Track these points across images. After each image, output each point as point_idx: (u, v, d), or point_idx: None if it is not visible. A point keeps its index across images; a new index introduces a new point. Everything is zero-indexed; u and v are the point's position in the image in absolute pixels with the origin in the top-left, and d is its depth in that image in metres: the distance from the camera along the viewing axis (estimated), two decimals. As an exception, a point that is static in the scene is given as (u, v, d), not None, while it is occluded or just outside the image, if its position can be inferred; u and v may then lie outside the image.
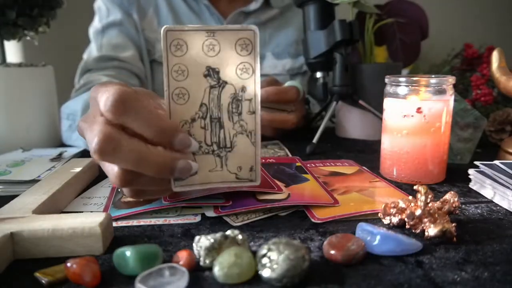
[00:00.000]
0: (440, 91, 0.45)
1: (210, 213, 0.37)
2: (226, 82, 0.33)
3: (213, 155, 0.34)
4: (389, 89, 0.48)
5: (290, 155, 0.59)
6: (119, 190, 0.38)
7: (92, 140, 0.30)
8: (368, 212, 0.37)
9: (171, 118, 0.33)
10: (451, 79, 0.45)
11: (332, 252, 0.29)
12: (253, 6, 0.88)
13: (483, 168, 0.44)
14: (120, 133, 0.30)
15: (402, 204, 0.35)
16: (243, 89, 0.34)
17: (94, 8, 0.88)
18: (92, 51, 0.84)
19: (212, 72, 0.33)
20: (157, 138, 0.31)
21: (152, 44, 0.87)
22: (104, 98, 0.30)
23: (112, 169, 0.31)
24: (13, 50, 1.14)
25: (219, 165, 0.34)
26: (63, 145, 0.67)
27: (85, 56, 0.85)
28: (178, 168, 0.31)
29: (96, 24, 0.86)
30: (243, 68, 0.33)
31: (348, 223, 0.36)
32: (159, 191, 0.35)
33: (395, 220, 0.35)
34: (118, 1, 0.85)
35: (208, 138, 0.34)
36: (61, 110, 0.69)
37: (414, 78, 0.45)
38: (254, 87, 0.34)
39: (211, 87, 0.33)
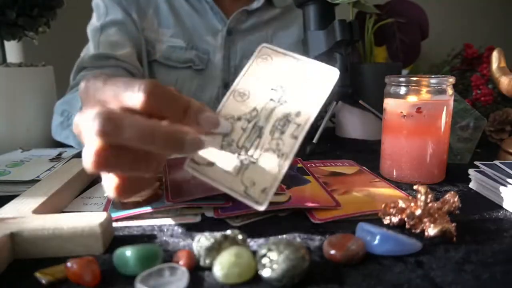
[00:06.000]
0: (440, 91, 0.45)
1: (210, 214, 0.37)
2: (286, 102, 0.35)
3: (237, 158, 0.33)
4: (389, 89, 0.48)
5: (290, 155, 0.59)
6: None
7: (92, 124, 0.27)
8: (368, 212, 0.37)
9: (222, 111, 0.35)
10: (451, 79, 0.45)
11: (332, 252, 0.29)
12: (255, 4, 0.88)
13: (483, 168, 0.44)
14: (118, 111, 0.28)
15: (402, 204, 0.35)
16: (298, 114, 0.34)
17: (92, 5, 0.87)
18: (89, 49, 0.83)
19: (280, 89, 0.35)
20: (180, 116, 0.31)
21: (152, 45, 0.86)
22: (133, 87, 0.29)
23: (110, 180, 0.30)
24: (13, 50, 1.14)
25: (236, 171, 0.33)
26: (63, 145, 0.67)
27: (82, 54, 0.84)
28: (188, 140, 0.29)
29: (94, 22, 0.85)
30: (308, 97, 0.35)
31: (348, 223, 0.36)
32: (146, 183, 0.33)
33: (395, 220, 0.35)
34: (117, 0, 0.85)
35: (242, 140, 0.33)
36: (55, 105, 0.66)
37: (414, 78, 0.45)
38: (309, 118, 0.34)
39: (271, 99, 0.35)
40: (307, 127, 0.34)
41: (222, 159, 0.33)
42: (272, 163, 0.33)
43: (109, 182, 0.30)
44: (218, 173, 0.33)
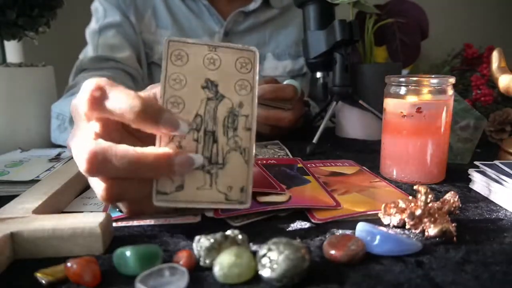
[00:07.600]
0: (440, 91, 0.45)
1: (210, 214, 0.37)
2: (223, 96, 0.33)
3: (202, 171, 0.32)
4: (389, 89, 0.48)
5: (290, 155, 0.59)
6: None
7: (79, 161, 0.29)
8: (368, 212, 0.37)
9: None
10: (451, 79, 0.45)
11: (332, 252, 0.29)
12: (252, 6, 0.88)
13: (483, 168, 0.44)
14: (104, 144, 0.29)
15: (402, 204, 0.35)
16: (241, 104, 0.33)
17: (91, 8, 0.88)
18: (88, 51, 0.83)
19: (210, 85, 0.33)
20: (141, 119, 0.29)
21: (150, 47, 0.86)
22: (80, 91, 0.29)
23: (98, 185, 0.30)
24: (13, 50, 1.14)
25: (208, 183, 0.32)
26: (62, 145, 0.67)
27: (81, 56, 0.84)
28: (176, 162, 0.30)
29: (93, 25, 0.86)
30: (241, 85, 0.33)
31: (348, 223, 0.36)
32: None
33: (395, 220, 0.35)
34: (116, 3, 0.85)
35: (199, 152, 0.32)
36: (51, 108, 0.67)
37: (414, 78, 0.45)
38: (252, 104, 0.33)
39: (208, 99, 0.32)
40: (255, 114, 0.33)
41: (189, 178, 0.32)
42: (238, 161, 0.32)
43: (97, 186, 0.30)
44: (191, 193, 0.31)
